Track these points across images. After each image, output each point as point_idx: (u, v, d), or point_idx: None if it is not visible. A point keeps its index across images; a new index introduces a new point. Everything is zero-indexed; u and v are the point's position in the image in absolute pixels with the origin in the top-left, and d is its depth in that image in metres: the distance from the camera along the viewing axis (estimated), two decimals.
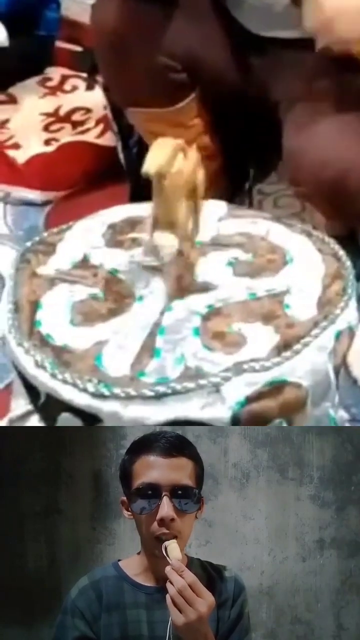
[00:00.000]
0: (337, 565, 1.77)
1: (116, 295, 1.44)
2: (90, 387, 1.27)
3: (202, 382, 1.27)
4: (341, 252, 1.53)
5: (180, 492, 1.07)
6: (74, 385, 1.28)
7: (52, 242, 1.58)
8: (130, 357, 1.31)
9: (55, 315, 1.40)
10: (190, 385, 1.26)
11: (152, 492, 1.07)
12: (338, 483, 1.77)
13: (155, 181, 1.34)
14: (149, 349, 1.33)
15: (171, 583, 1.01)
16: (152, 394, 1.26)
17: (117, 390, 1.26)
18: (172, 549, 1.05)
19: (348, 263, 1.51)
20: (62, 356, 1.32)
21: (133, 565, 1.14)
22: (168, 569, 1.02)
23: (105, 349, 1.33)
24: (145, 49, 1.83)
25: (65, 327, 1.37)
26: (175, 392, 1.26)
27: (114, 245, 1.56)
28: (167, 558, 1.04)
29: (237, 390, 1.27)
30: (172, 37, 1.84)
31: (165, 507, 1.06)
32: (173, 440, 1.11)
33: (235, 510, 1.76)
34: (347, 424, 1.69)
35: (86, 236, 1.58)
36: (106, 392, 1.26)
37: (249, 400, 1.27)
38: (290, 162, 1.75)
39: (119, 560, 1.16)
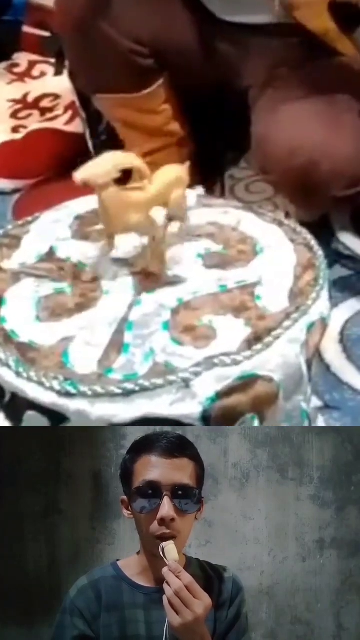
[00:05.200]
0: (337, 565, 1.76)
1: (83, 290, 1.41)
2: (56, 385, 1.24)
3: (172, 377, 1.24)
4: (313, 242, 1.51)
5: (180, 492, 1.07)
6: (40, 383, 1.25)
7: (16, 235, 1.54)
8: (98, 353, 1.29)
9: (20, 311, 1.37)
10: (159, 381, 1.24)
11: (153, 491, 1.06)
12: (338, 483, 1.76)
13: (97, 192, 1.32)
14: (117, 345, 1.30)
15: (168, 584, 1.00)
16: (119, 391, 1.23)
17: (84, 388, 1.23)
18: (170, 550, 1.04)
19: (320, 253, 1.49)
20: (27, 353, 1.29)
21: (132, 566, 1.13)
22: (165, 570, 1.02)
23: (72, 345, 1.30)
24: (111, 34, 1.81)
25: (30, 323, 1.34)
26: (143, 389, 1.23)
27: (81, 238, 1.53)
28: (165, 559, 1.03)
29: (208, 385, 1.25)
30: (139, 22, 1.82)
31: (166, 507, 1.05)
32: (174, 440, 1.10)
33: (235, 510, 1.75)
34: (319, 413, 1.67)
35: (52, 228, 1.55)
36: (72, 390, 1.23)
37: (220, 395, 1.25)
38: (260, 150, 1.73)
39: (117, 560, 1.15)
